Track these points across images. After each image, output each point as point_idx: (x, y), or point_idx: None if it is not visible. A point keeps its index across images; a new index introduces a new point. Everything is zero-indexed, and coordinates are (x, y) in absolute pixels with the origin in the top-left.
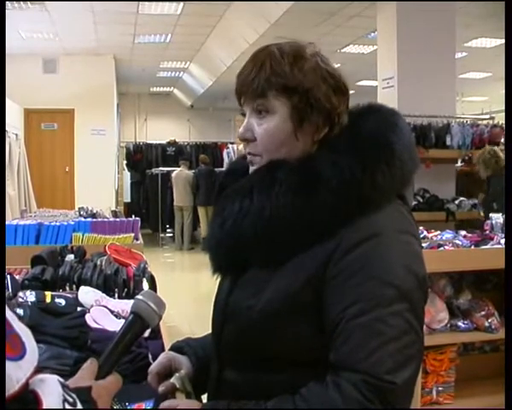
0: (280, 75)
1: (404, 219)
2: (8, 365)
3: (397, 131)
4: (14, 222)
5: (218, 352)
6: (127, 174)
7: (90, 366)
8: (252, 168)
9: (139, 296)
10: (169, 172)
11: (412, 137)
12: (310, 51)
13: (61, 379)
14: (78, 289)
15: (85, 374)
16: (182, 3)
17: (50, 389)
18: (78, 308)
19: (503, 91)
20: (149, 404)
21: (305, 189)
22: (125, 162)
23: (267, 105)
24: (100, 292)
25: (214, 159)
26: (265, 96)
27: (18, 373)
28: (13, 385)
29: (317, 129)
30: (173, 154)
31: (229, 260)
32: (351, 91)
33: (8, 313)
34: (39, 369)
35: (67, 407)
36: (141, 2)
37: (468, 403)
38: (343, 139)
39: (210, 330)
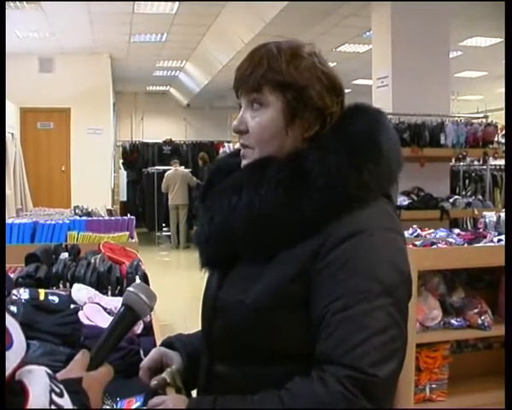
0: (276, 71)
1: (389, 217)
2: None
3: (384, 131)
4: (10, 221)
5: (209, 346)
6: (123, 173)
7: (81, 358)
8: (244, 161)
9: (130, 288)
10: (165, 171)
11: (397, 137)
12: (307, 50)
13: (49, 370)
14: (71, 286)
15: (76, 366)
16: (177, 3)
17: (37, 379)
18: (72, 306)
19: (499, 90)
20: (140, 399)
21: (293, 186)
22: (121, 161)
23: (262, 99)
24: (93, 290)
25: (210, 158)
26: (261, 90)
27: (5, 363)
28: None
29: (308, 126)
30: (169, 153)
31: (218, 254)
32: (346, 90)
33: None
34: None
35: (54, 397)
36: (136, 2)
37: (461, 400)
38: (331, 137)
39: None
